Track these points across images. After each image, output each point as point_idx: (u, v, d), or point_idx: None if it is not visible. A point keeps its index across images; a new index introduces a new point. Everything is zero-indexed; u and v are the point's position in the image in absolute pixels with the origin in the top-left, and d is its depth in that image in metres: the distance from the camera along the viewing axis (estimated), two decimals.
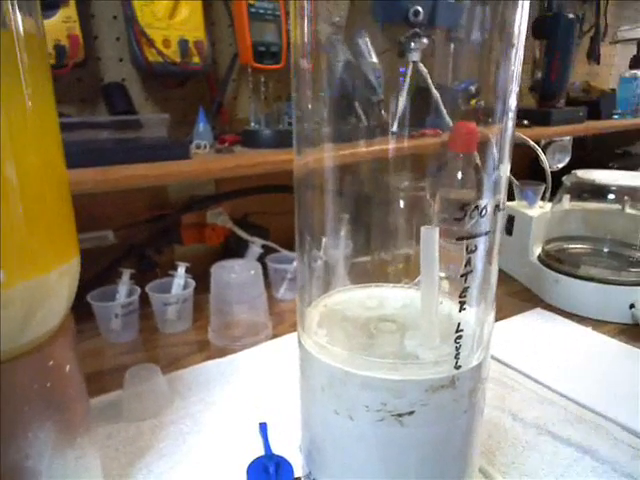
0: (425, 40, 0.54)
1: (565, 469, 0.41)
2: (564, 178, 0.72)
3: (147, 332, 0.64)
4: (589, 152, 1.20)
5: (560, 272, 0.68)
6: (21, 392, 0.28)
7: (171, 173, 0.55)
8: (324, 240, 0.33)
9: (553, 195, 0.77)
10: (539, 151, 0.84)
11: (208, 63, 0.69)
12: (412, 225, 0.48)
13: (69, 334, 0.32)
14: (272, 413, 0.47)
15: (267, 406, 0.48)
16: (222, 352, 0.58)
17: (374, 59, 0.45)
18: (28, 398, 0.28)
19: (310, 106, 0.30)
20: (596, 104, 1.13)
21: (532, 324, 0.65)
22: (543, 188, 0.81)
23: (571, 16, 0.97)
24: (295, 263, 0.73)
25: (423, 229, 0.27)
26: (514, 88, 0.26)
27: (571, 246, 0.72)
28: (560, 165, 1.07)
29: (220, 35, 0.77)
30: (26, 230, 0.27)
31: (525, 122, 1.01)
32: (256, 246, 0.71)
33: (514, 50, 0.27)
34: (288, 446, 0.41)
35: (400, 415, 0.27)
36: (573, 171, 0.72)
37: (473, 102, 0.62)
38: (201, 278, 0.66)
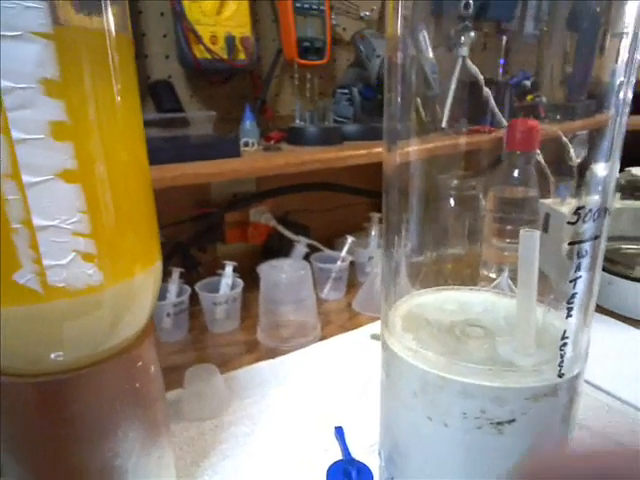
0: (473, 34, 0.52)
1: None
2: (618, 175, 0.70)
3: (196, 331, 0.64)
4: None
5: (613, 273, 0.66)
6: (113, 393, 0.28)
7: (223, 171, 0.55)
8: (409, 241, 0.32)
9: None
10: (570, 146, 0.82)
11: (254, 60, 0.68)
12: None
13: (152, 336, 0.32)
14: (330, 416, 0.47)
15: (324, 408, 0.48)
16: (272, 353, 0.58)
17: (431, 54, 0.44)
18: (119, 398, 0.28)
19: (400, 101, 0.29)
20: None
21: None
22: (571, 184, 0.78)
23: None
24: (339, 262, 0.73)
25: (523, 232, 0.26)
26: (630, 79, 0.24)
27: (624, 246, 0.70)
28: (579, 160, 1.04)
29: (264, 31, 0.76)
30: (117, 232, 0.27)
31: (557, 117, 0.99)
32: (301, 245, 0.70)
33: (620, 38, 0.26)
34: (353, 448, 0.41)
35: (500, 423, 0.26)
36: (627, 168, 0.70)
37: (530, 97, 0.60)
38: (244, 276, 0.66)
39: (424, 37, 0.45)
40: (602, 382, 0.51)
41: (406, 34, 0.33)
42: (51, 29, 0.21)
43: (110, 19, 0.25)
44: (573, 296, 0.25)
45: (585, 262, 0.25)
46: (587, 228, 0.24)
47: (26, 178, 0.22)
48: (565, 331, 0.25)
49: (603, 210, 0.25)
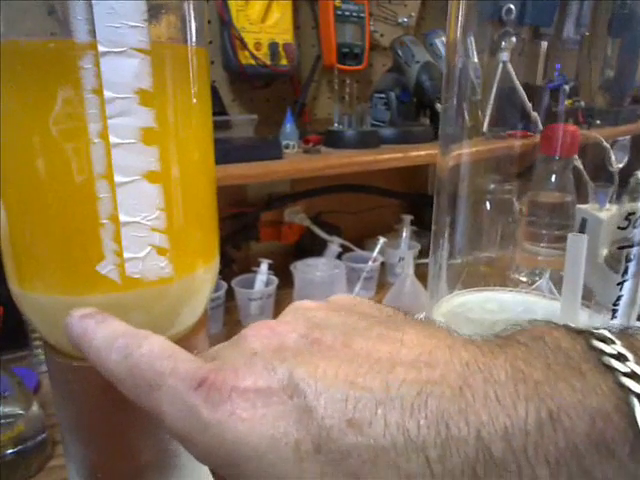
0: (514, 39, 0.53)
1: None
2: None
3: (230, 325, 0.66)
4: None
5: None
6: None
7: (267, 172, 0.57)
8: (456, 242, 0.34)
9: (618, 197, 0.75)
10: (610, 152, 0.82)
11: (295, 65, 0.70)
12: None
13: (206, 326, 0.34)
14: None
15: None
16: None
17: (476, 59, 0.45)
18: None
19: (455, 106, 0.31)
20: None
21: None
22: (611, 190, 0.78)
23: None
24: (370, 263, 0.74)
25: (571, 236, 0.27)
26: None
27: None
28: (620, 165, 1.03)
29: (304, 37, 0.78)
30: (187, 228, 0.29)
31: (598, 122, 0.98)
32: (335, 245, 0.72)
33: None
34: None
35: None
36: None
37: (569, 102, 0.60)
38: (276, 274, 0.68)
39: (471, 42, 0.46)
40: None
41: (462, 40, 0.35)
42: (148, 45, 0.23)
43: (193, 34, 0.27)
44: (619, 298, 0.26)
45: (632, 266, 0.26)
46: (637, 233, 0.25)
47: (117, 178, 0.24)
48: None
49: None
